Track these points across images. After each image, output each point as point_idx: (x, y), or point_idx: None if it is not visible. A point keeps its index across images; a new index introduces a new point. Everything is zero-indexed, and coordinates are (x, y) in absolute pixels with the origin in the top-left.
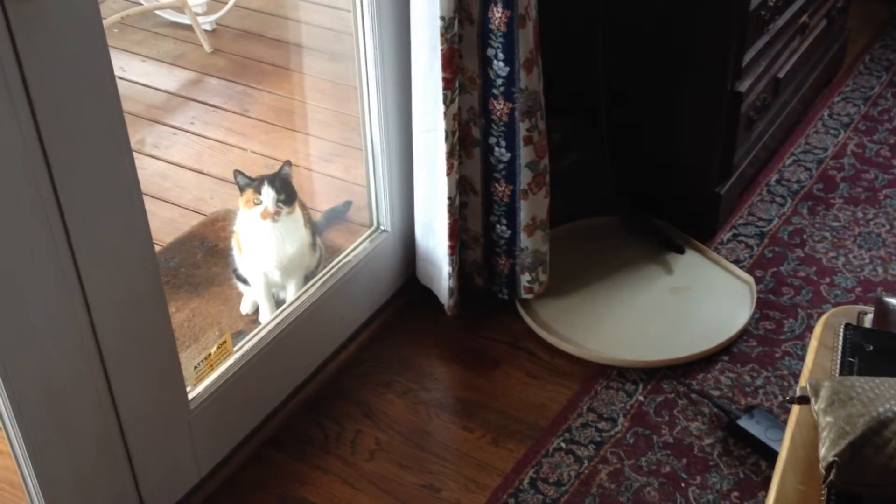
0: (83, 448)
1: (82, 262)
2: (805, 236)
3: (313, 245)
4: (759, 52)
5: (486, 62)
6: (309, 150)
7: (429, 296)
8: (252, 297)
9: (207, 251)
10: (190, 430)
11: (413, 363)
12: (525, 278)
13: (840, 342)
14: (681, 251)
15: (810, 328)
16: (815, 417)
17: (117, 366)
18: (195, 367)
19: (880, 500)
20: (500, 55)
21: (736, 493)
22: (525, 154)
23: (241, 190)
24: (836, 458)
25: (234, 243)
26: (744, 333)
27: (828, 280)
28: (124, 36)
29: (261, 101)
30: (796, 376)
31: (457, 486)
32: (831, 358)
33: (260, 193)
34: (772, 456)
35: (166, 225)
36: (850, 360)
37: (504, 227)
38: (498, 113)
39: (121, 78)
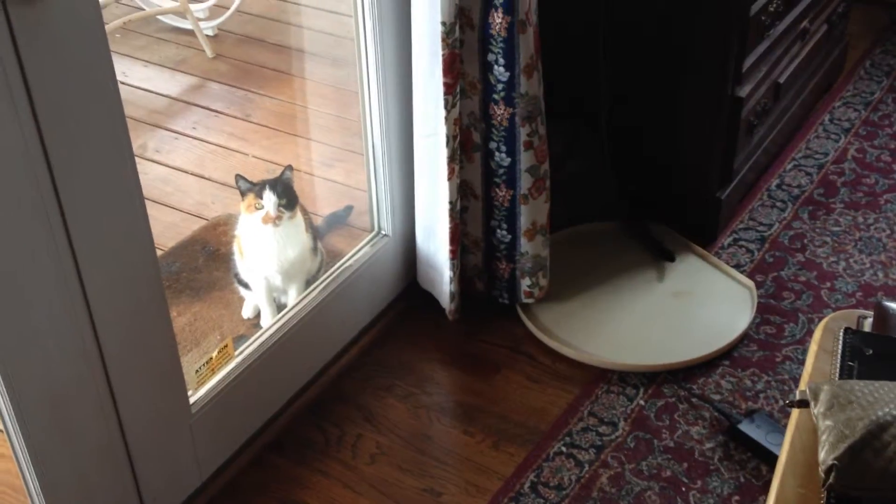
0: (85, 451)
1: (84, 266)
2: (806, 241)
3: (314, 249)
4: (760, 58)
5: (486, 67)
6: (310, 155)
7: (429, 300)
8: (253, 301)
9: (209, 255)
10: (191, 433)
11: (414, 367)
12: (525, 283)
13: (840, 346)
14: (671, 259)
15: (811, 333)
16: (815, 421)
17: (119, 369)
18: (196, 371)
19: (879, 503)
20: (501, 60)
21: (737, 497)
22: (525, 159)
23: (243, 194)
24: (835, 462)
25: (235, 248)
26: (744, 338)
27: (828, 284)
28: (126, 41)
29: (262, 105)
30: (797, 380)
31: (457, 490)
32: (831, 362)
33: (261, 198)
34: (772, 460)
35: (168, 229)
36: (850, 363)
37: (504, 232)
38: (498, 118)
39: (123, 83)
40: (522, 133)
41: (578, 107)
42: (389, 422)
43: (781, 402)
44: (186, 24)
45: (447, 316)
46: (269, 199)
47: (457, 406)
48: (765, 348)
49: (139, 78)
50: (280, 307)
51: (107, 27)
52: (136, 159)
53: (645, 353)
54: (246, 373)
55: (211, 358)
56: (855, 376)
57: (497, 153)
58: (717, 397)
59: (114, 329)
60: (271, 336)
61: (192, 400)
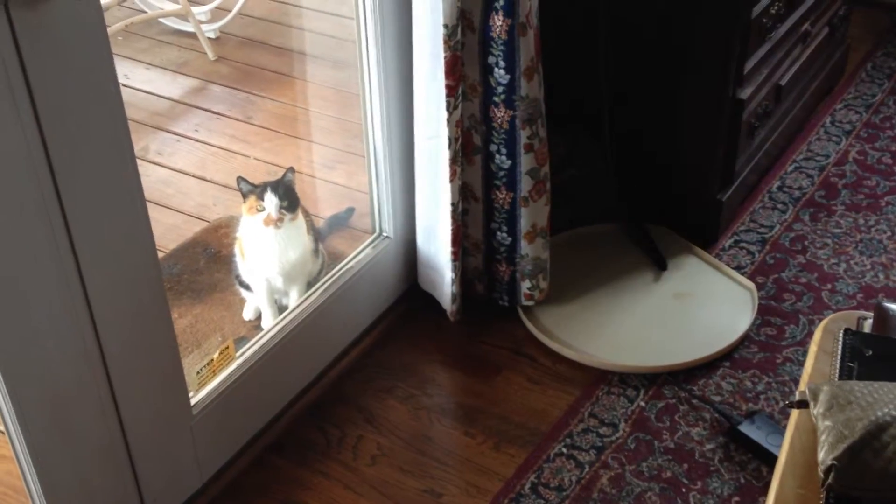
0: (86, 453)
1: (85, 268)
2: (806, 243)
3: (316, 251)
4: (761, 60)
5: (487, 70)
6: (312, 157)
7: (430, 302)
8: (254, 303)
9: (210, 257)
10: (192, 435)
11: (415, 369)
12: (525, 285)
13: (839, 347)
14: (663, 267)
15: (812, 334)
16: (814, 422)
17: (120, 371)
18: (198, 372)
19: (879, 503)
20: (501, 63)
21: (737, 499)
22: (526, 161)
23: (245, 196)
24: (834, 462)
25: (236, 249)
26: (745, 339)
27: (829, 286)
28: (128, 43)
29: (264, 108)
30: (797, 382)
31: (458, 492)
32: (830, 363)
33: (263, 200)
34: (773, 461)
35: (169, 231)
36: (850, 364)
37: (504, 235)
38: (499, 120)
39: (125, 85)
40: (523, 136)
41: (579, 109)
42: (390, 423)
43: (782, 404)
44: (188, 27)
45: (448, 317)
46: (271, 201)
47: (457, 407)
48: (765, 350)
49: (141, 80)
50: (281, 309)
51: (109, 30)
52: (138, 161)
53: (645, 355)
54: (247, 374)
55: (212, 359)
56: (854, 377)
57: (497, 156)
58: (717, 398)
59: (115, 330)
60: (272, 338)
61: (193, 401)
